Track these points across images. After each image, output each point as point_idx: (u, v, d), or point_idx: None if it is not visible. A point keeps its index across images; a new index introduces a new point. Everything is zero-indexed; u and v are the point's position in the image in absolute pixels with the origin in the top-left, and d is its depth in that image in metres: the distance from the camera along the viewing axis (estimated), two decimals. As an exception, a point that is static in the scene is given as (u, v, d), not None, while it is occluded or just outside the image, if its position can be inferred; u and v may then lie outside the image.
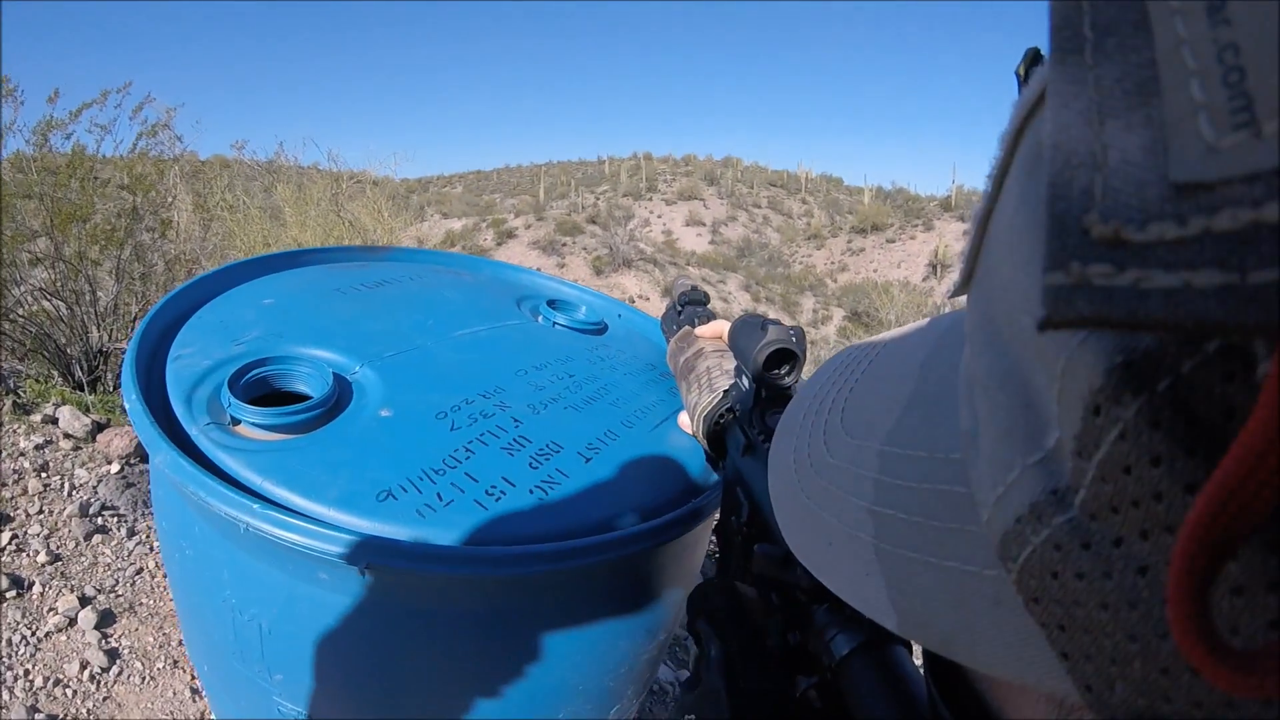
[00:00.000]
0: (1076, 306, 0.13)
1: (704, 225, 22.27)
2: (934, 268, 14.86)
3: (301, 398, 0.94)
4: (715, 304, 1.47)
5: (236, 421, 0.91)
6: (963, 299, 0.26)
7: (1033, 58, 0.22)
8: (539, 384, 1.09)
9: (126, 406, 0.90)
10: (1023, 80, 0.22)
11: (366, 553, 0.74)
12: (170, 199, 3.17)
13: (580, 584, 0.89)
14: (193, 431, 0.88)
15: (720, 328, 0.97)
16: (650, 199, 24.39)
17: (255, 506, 0.76)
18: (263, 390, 0.97)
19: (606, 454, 0.98)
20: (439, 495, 0.84)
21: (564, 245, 16.15)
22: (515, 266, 1.69)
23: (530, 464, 0.91)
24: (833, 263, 17.41)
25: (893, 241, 16.75)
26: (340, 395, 0.96)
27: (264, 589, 0.85)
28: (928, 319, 0.38)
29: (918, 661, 0.38)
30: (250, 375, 0.95)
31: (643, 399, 1.15)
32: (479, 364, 1.10)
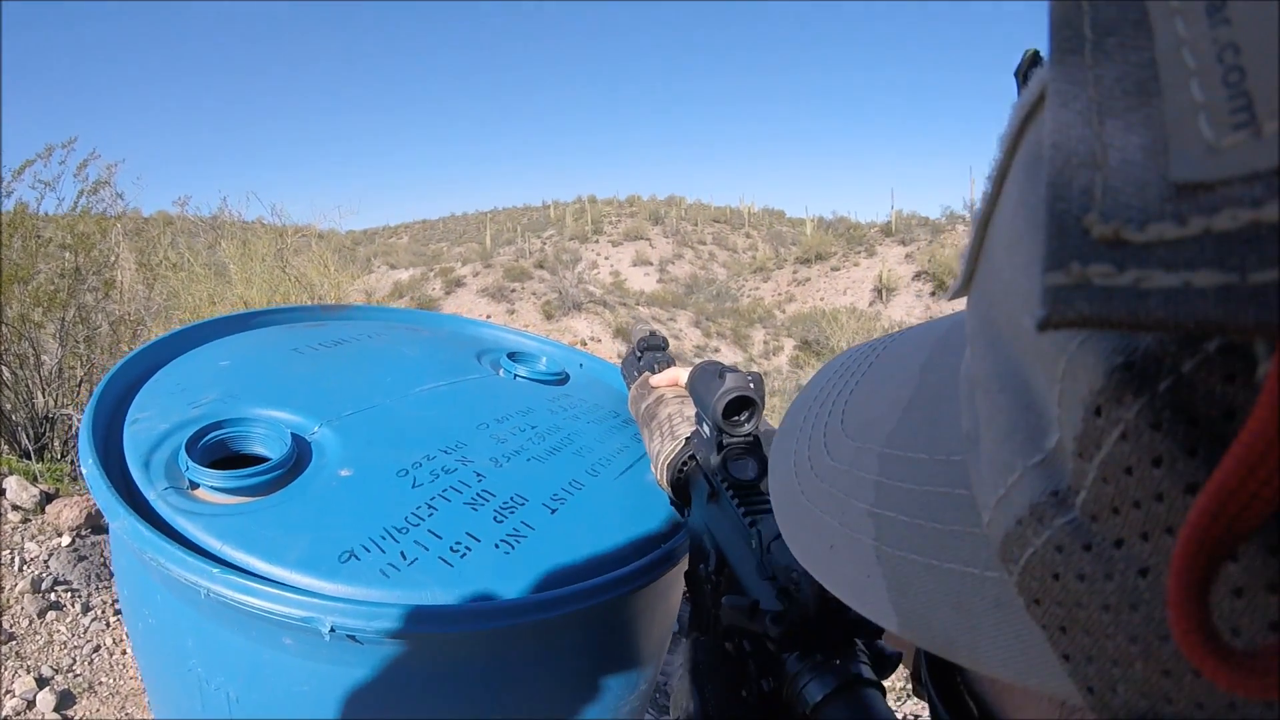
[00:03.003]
0: (1077, 306, 0.13)
1: (651, 264, 22.34)
2: (879, 292, 15.09)
3: (261, 460, 0.93)
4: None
5: (195, 485, 0.89)
6: (960, 301, 0.27)
7: (1031, 59, 0.22)
8: (501, 436, 1.09)
9: (84, 472, 0.88)
10: (1022, 82, 0.22)
11: (330, 615, 0.73)
12: (113, 258, 3.12)
13: (553, 637, 0.88)
14: (150, 496, 0.87)
15: (675, 375, 0.98)
16: (597, 241, 24.37)
17: (214, 571, 0.75)
18: (221, 453, 0.96)
19: (572, 504, 0.98)
20: (402, 554, 0.83)
21: (513, 291, 16.13)
22: (475, 321, 1.69)
23: (495, 518, 0.91)
24: (780, 294, 17.57)
25: (837, 269, 16.95)
26: (299, 455, 0.95)
27: (229, 656, 0.83)
28: (928, 320, 0.38)
29: (892, 704, 0.38)
30: (208, 438, 0.94)
31: (606, 446, 1.15)
32: (439, 419, 1.10)
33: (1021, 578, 0.19)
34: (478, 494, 0.94)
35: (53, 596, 2.06)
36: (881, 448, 0.29)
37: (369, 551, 0.82)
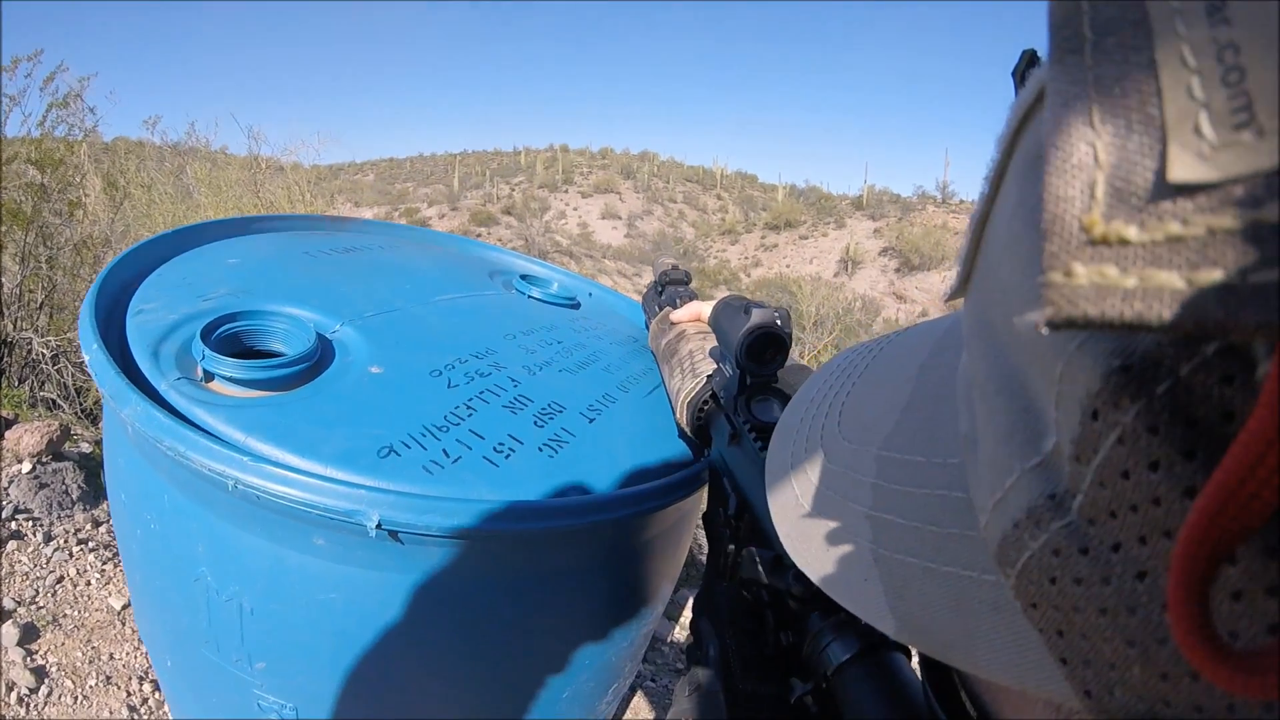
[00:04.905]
0: (1077, 307, 0.13)
1: (620, 219, 22.03)
2: (845, 264, 15.13)
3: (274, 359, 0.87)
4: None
5: (210, 377, 0.83)
6: (956, 302, 0.26)
7: (1029, 59, 0.22)
8: (529, 348, 1.03)
9: (87, 359, 0.81)
10: (1019, 82, 0.22)
11: (377, 508, 0.67)
12: (79, 178, 2.96)
13: (587, 548, 0.83)
14: (162, 387, 0.80)
15: (698, 309, 0.94)
16: (566, 191, 23.95)
17: (246, 460, 0.69)
18: (233, 349, 0.89)
19: (608, 415, 0.94)
20: (445, 452, 0.77)
21: (479, 235, 15.94)
22: (482, 243, 1.63)
23: (535, 422, 0.86)
24: (747, 258, 17.48)
25: (805, 238, 16.91)
26: (323, 352, 0.88)
27: (247, 562, 0.77)
28: (926, 320, 0.38)
29: (915, 665, 0.37)
30: (222, 330, 0.87)
31: (632, 367, 1.11)
32: (465, 327, 1.04)
33: (1018, 581, 0.19)
34: (515, 398, 0.89)
35: (13, 525, 1.97)
36: (879, 450, 0.29)
37: (409, 448, 0.76)
